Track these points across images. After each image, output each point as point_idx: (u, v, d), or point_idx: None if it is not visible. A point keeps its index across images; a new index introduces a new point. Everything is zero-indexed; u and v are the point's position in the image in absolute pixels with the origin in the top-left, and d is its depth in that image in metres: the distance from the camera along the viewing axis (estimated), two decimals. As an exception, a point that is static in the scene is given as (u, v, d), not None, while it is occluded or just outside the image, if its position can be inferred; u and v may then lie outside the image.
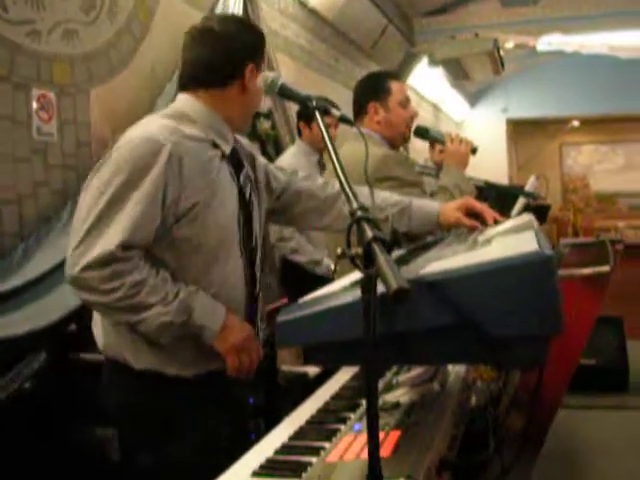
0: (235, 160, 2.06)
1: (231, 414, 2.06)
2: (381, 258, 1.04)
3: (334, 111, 1.76)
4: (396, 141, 3.03)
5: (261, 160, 2.26)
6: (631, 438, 3.60)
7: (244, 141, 2.25)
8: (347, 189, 1.31)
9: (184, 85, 2.06)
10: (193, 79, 2.03)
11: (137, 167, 1.81)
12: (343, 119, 1.79)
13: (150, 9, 4.04)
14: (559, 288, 1.10)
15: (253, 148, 2.30)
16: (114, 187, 1.80)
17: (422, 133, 3.20)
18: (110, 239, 1.77)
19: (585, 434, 3.69)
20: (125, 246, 1.78)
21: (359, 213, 1.18)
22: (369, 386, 1.11)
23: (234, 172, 2.03)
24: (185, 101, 2.03)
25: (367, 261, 1.07)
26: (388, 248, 1.08)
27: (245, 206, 2.05)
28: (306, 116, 4.36)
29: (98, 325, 2.02)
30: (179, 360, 1.94)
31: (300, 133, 4.49)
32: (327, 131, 1.57)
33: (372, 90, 3.05)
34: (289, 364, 3.44)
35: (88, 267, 1.77)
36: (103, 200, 1.80)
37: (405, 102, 3.03)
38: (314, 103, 1.72)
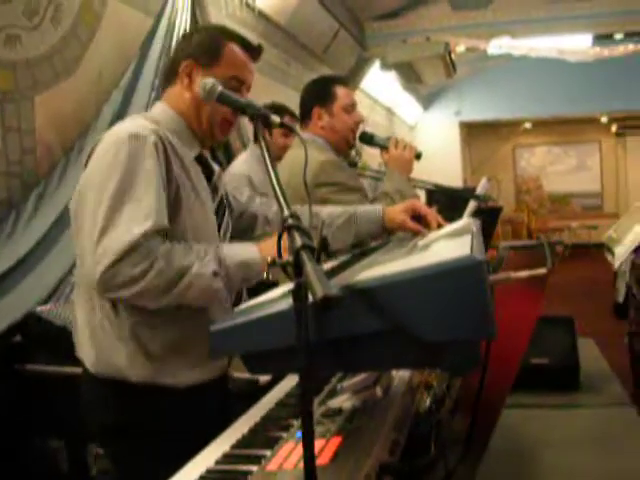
0: (203, 165, 2.05)
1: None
2: (309, 266, 1.04)
3: (274, 118, 1.75)
4: (341, 146, 3.04)
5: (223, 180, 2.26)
6: (582, 435, 3.64)
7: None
8: (280, 196, 1.31)
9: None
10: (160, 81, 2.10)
11: (128, 163, 1.78)
12: (283, 126, 1.78)
13: (97, 14, 4.00)
14: (490, 292, 1.11)
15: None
16: (115, 183, 1.76)
17: (367, 139, 3.20)
18: (129, 230, 1.71)
19: (537, 432, 3.72)
20: (147, 234, 1.72)
21: (290, 221, 1.18)
22: (304, 394, 1.11)
23: (205, 175, 2.03)
24: (155, 106, 2.07)
25: (297, 269, 1.07)
26: (317, 256, 1.08)
27: (220, 207, 2.06)
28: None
29: (86, 344, 1.95)
30: (177, 370, 1.92)
31: (256, 138, 4.46)
32: (263, 138, 1.57)
33: (317, 95, 3.05)
34: (242, 370, 3.42)
35: (114, 264, 1.69)
36: (106, 200, 1.74)
37: (350, 108, 3.03)
38: (253, 110, 1.72)
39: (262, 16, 6.13)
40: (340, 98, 3.00)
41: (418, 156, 3.09)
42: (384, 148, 3.14)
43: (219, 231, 2.04)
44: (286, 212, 1.22)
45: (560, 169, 18.61)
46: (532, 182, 18.66)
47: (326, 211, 2.33)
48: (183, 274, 1.74)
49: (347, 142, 3.04)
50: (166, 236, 1.80)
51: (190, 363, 1.94)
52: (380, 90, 10.67)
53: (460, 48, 9.99)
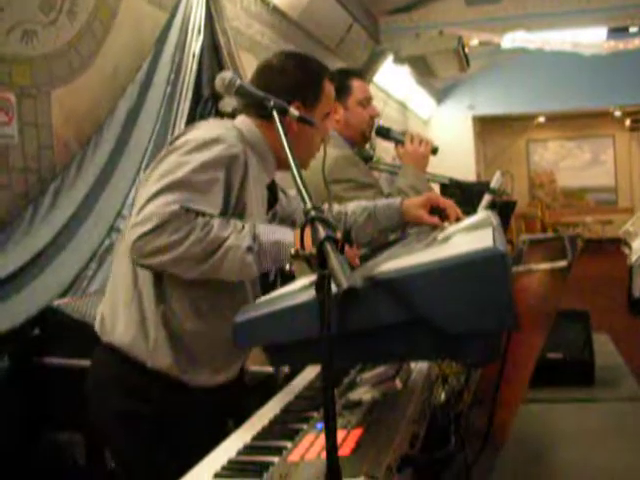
0: (271, 190, 2.10)
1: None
2: (333, 258, 1.05)
3: (292, 111, 1.75)
4: (356, 140, 3.02)
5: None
6: (597, 429, 3.63)
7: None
8: (302, 189, 1.31)
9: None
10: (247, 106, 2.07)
11: (210, 158, 1.81)
12: (301, 119, 1.79)
13: (112, 9, 4.01)
14: (512, 284, 1.11)
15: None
16: (196, 164, 1.78)
17: (383, 133, 3.18)
18: (177, 202, 1.74)
19: (552, 427, 3.71)
20: (185, 207, 1.74)
21: (313, 213, 1.19)
22: (326, 385, 1.11)
23: (269, 201, 2.07)
24: (242, 120, 2.06)
25: (320, 261, 1.07)
26: (341, 247, 1.08)
27: None
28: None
29: (120, 318, 1.97)
30: (199, 371, 1.95)
31: None
32: (285, 131, 1.57)
33: None
34: (258, 364, 3.43)
35: (154, 229, 1.70)
36: (180, 171, 1.77)
37: (365, 101, 3.01)
38: (272, 103, 1.72)
39: (276, 10, 6.13)
40: (356, 92, 2.99)
41: (434, 151, 3.06)
42: (400, 142, 3.12)
43: None
44: (309, 204, 1.23)
45: (574, 164, 18.53)
46: (546, 176, 18.59)
47: (350, 209, 2.35)
48: (220, 245, 1.74)
49: (363, 136, 3.03)
50: None
51: (214, 368, 1.98)
52: (393, 84, 10.64)
53: (474, 42, 9.95)
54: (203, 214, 1.75)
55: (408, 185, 2.84)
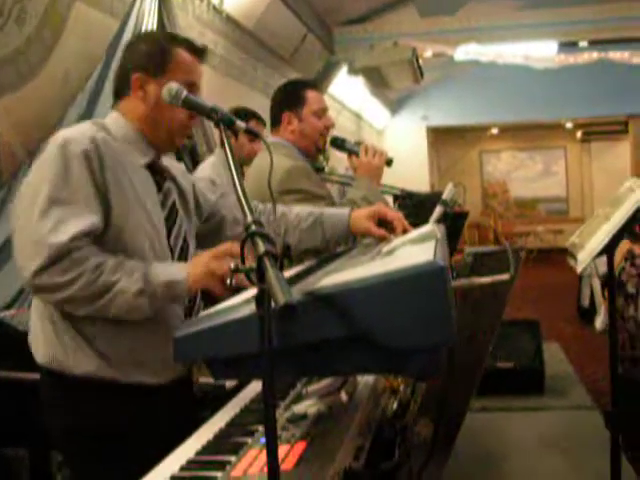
0: (156, 173, 2.06)
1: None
2: (271, 273, 1.05)
3: (239, 123, 1.75)
4: (310, 151, 3.02)
5: (191, 179, 2.28)
6: (546, 437, 3.69)
7: (174, 163, 2.27)
8: (243, 203, 1.31)
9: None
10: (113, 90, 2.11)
11: (58, 171, 1.81)
12: (248, 131, 1.78)
13: (62, 16, 3.96)
14: (452, 298, 1.12)
15: (174, 166, 2.27)
16: (47, 187, 1.80)
17: (338, 144, 3.18)
18: (58, 235, 1.76)
19: (502, 435, 3.76)
20: (76, 237, 1.77)
21: (253, 228, 1.19)
22: (266, 400, 1.11)
23: (154, 182, 2.04)
24: (109, 115, 2.07)
25: (259, 276, 1.07)
26: (280, 262, 1.08)
27: (171, 213, 2.06)
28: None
29: (39, 337, 1.97)
30: (126, 365, 1.93)
31: (222, 143, 4.45)
32: (229, 143, 1.57)
33: (287, 99, 3.03)
34: (207, 375, 3.40)
35: (43, 267, 1.74)
36: (39, 203, 1.79)
37: (320, 112, 3.01)
38: (218, 115, 1.71)
39: (230, 19, 6.12)
40: (310, 102, 2.98)
41: (389, 162, 3.06)
42: (354, 153, 3.13)
43: (169, 237, 2.04)
44: (249, 218, 1.23)
45: (526, 174, 18.80)
46: (498, 187, 18.84)
47: (294, 212, 2.33)
48: (108, 289, 1.80)
49: (317, 147, 3.02)
50: (103, 237, 1.86)
51: (145, 366, 1.96)
52: (348, 94, 10.70)
53: (427, 53, 10.07)
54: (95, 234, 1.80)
55: (360, 197, 2.84)
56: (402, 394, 1.87)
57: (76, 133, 1.89)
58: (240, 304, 1.33)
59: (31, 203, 1.80)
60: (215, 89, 5.68)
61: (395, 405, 1.82)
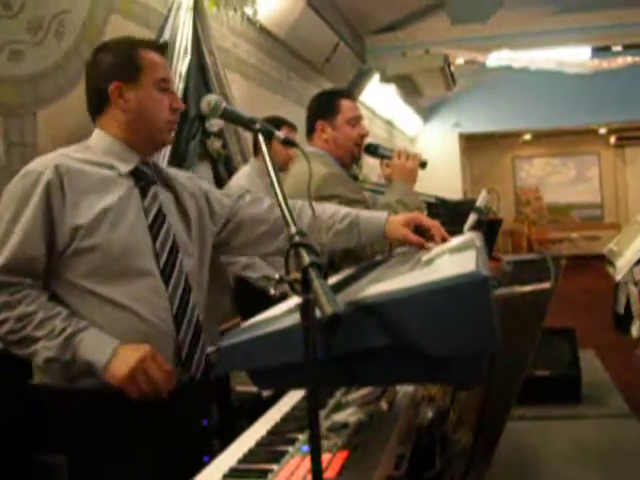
0: (140, 179, 2.07)
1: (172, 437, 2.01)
2: (317, 283, 1.06)
3: (278, 133, 1.76)
4: (345, 159, 3.03)
5: (201, 186, 2.27)
6: (584, 446, 3.64)
7: (173, 171, 2.28)
8: (286, 213, 1.32)
9: None
10: (89, 112, 2.13)
11: (19, 200, 1.88)
12: (286, 142, 1.80)
13: (99, 30, 4.01)
14: (494, 308, 1.12)
15: (179, 175, 2.28)
16: (3, 222, 1.88)
17: (372, 150, 3.20)
18: None
19: (540, 444, 3.72)
20: (7, 269, 1.84)
21: (297, 238, 1.20)
22: (311, 410, 1.12)
23: (139, 189, 2.05)
24: (93, 134, 2.11)
25: (304, 286, 1.08)
26: (325, 273, 1.09)
27: (156, 218, 2.05)
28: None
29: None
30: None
31: (257, 152, 4.48)
32: (269, 153, 1.58)
33: (321, 108, 3.06)
34: (244, 383, 3.43)
35: None
36: None
37: (354, 121, 3.03)
38: (257, 126, 1.73)
39: (262, 29, 6.15)
40: (344, 111, 3.00)
41: (423, 165, 3.07)
42: (388, 158, 3.14)
43: (155, 243, 2.02)
44: (293, 229, 1.24)
45: (559, 180, 18.64)
46: (531, 193, 18.69)
47: (329, 212, 2.31)
48: (29, 344, 1.83)
49: (352, 155, 3.04)
50: (92, 257, 1.90)
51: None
52: (380, 103, 10.70)
53: (459, 61, 10.04)
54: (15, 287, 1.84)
55: (395, 199, 2.84)
56: (441, 403, 1.87)
57: (39, 163, 1.94)
58: (282, 314, 1.35)
59: None
60: (249, 99, 5.72)
61: (434, 414, 1.82)
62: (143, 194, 2.05)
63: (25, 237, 1.85)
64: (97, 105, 2.08)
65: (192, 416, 2.17)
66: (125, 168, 2.03)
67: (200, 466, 1.59)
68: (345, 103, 3.04)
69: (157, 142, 2.14)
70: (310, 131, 3.05)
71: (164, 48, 2.18)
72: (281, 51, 6.79)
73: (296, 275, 1.11)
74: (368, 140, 3.20)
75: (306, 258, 1.13)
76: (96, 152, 2.02)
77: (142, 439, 1.94)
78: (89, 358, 1.83)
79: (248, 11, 4.86)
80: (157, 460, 1.96)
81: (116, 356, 1.84)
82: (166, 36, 4.29)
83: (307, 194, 1.69)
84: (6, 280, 1.83)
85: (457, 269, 1.19)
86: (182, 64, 4.28)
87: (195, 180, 2.29)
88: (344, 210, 2.34)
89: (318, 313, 1.08)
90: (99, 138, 2.06)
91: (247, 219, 2.27)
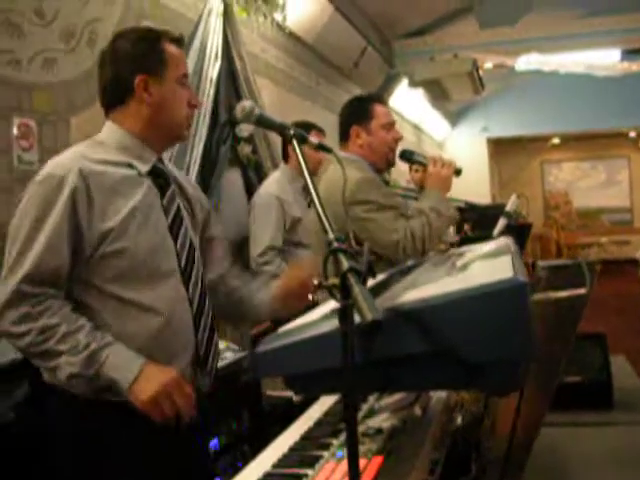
0: (159, 177, 2.05)
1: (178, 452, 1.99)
2: (357, 289, 1.06)
3: (312, 139, 1.76)
4: (380, 164, 3.05)
5: (205, 202, 2.27)
6: (616, 453, 3.61)
7: (184, 177, 2.27)
8: (324, 220, 1.32)
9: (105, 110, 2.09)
10: (102, 103, 2.07)
11: (41, 207, 1.84)
12: (320, 147, 1.80)
13: (130, 36, 4.06)
14: (532, 314, 1.12)
15: (184, 177, 2.29)
16: (24, 229, 1.83)
17: (407, 156, 3.21)
18: (14, 277, 1.80)
19: (571, 451, 3.70)
20: (30, 279, 1.79)
21: (335, 244, 1.20)
22: (348, 416, 1.12)
23: (157, 188, 2.03)
24: (104, 126, 2.06)
25: (344, 292, 1.09)
26: (363, 278, 1.10)
27: (175, 218, 2.05)
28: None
29: None
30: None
31: (287, 157, 4.49)
32: (304, 159, 1.58)
33: (355, 114, 3.07)
34: (275, 388, 3.44)
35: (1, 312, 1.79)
36: (16, 245, 1.84)
37: (389, 125, 3.05)
38: (292, 132, 1.73)
39: (291, 35, 6.18)
40: (378, 116, 3.02)
41: (458, 172, 3.07)
42: (423, 165, 3.15)
43: (175, 242, 2.01)
44: (331, 235, 1.24)
45: (589, 184, 18.47)
46: (560, 198, 18.54)
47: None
48: (52, 358, 1.79)
49: (386, 160, 3.06)
50: (120, 260, 1.87)
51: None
52: (408, 107, 10.68)
53: (488, 65, 9.99)
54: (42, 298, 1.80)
55: (429, 207, 2.86)
56: (475, 409, 1.87)
57: (59, 165, 1.89)
58: (319, 320, 1.35)
59: (12, 240, 1.85)
60: (278, 104, 5.74)
61: (468, 420, 1.82)
62: (162, 193, 2.04)
63: (49, 246, 1.81)
64: (116, 97, 2.01)
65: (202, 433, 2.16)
66: (144, 167, 2.01)
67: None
68: (379, 108, 3.06)
69: (174, 137, 2.12)
70: (344, 137, 3.07)
71: (182, 42, 2.11)
72: (310, 56, 6.80)
73: (335, 281, 1.12)
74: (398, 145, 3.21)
75: (345, 263, 1.13)
76: (111, 150, 1.98)
77: (159, 459, 1.92)
78: (114, 376, 1.80)
79: (278, 17, 4.88)
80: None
81: (141, 376, 1.81)
82: (197, 42, 4.32)
83: (341, 199, 1.69)
84: (28, 291, 1.79)
85: (494, 275, 1.19)
86: (213, 69, 4.30)
87: (198, 191, 2.29)
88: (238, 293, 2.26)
89: (356, 318, 1.08)
90: (112, 133, 2.01)
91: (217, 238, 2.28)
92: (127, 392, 1.80)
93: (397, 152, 3.14)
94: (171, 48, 2.02)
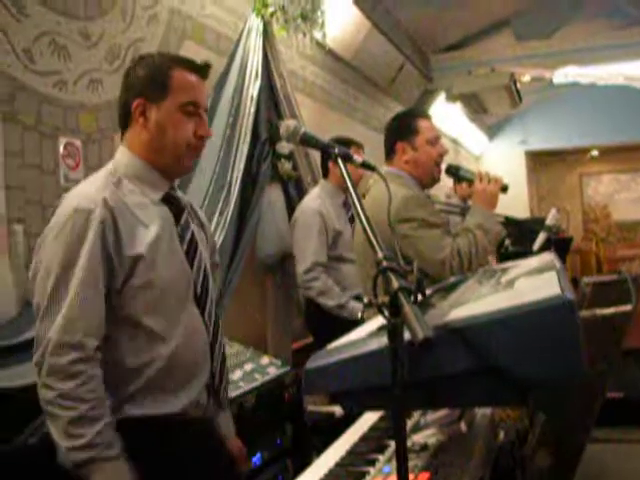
0: (172, 204, 2.06)
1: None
2: (407, 307, 1.08)
3: (356, 157, 1.78)
4: (425, 180, 3.04)
5: (211, 232, 2.30)
6: (661, 472, 3.55)
7: (198, 210, 2.27)
8: (372, 238, 1.33)
9: None
10: (118, 123, 2.09)
11: (71, 246, 1.82)
12: (365, 165, 1.81)
13: (172, 56, 4.12)
14: (581, 331, 1.13)
15: (197, 207, 2.29)
16: (56, 267, 1.81)
17: (453, 172, 3.20)
18: (54, 325, 1.78)
19: (615, 467, 3.65)
20: (65, 331, 1.77)
21: (385, 263, 1.22)
22: (397, 433, 1.13)
23: (172, 214, 2.04)
24: (117, 151, 2.08)
25: (393, 310, 1.11)
26: (414, 297, 1.11)
27: (190, 246, 2.05)
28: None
29: None
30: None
31: (326, 173, 4.53)
32: (350, 178, 1.60)
33: (400, 130, 3.08)
34: (316, 403, 3.45)
35: (44, 356, 1.78)
36: (50, 283, 1.81)
37: (434, 140, 3.04)
38: (336, 150, 1.75)
39: (330, 52, 6.22)
40: (423, 131, 3.02)
41: (505, 189, 3.04)
42: (470, 181, 3.14)
43: (192, 270, 2.02)
44: (380, 254, 1.25)
45: (629, 197, 18.24)
46: (600, 210, 18.33)
47: None
48: (54, 423, 1.77)
49: (432, 175, 3.05)
50: (145, 293, 1.87)
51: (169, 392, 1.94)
52: (446, 121, 10.66)
53: (525, 78, 9.95)
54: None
55: (475, 224, 2.84)
56: (520, 425, 1.87)
57: (86, 199, 1.87)
58: (366, 337, 1.37)
59: (45, 275, 1.82)
60: (317, 120, 5.78)
61: (514, 436, 1.82)
62: (177, 220, 2.04)
63: (84, 287, 1.80)
64: (122, 120, 2.05)
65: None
66: (156, 196, 2.01)
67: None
68: (423, 123, 3.06)
69: (181, 166, 2.07)
70: (390, 153, 3.07)
71: (204, 70, 2.08)
72: (348, 73, 6.84)
73: (384, 299, 1.13)
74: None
75: (395, 282, 1.15)
76: (126, 177, 1.98)
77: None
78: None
79: (317, 35, 4.92)
80: None
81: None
82: (237, 61, 4.37)
83: (387, 217, 1.71)
84: (67, 341, 1.76)
85: (542, 292, 1.20)
86: (253, 88, 4.35)
87: (206, 222, 2.30)
88: None
89: (405, 336, 1.10)
90: (124, 157, 2.02)
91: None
92: None
93: (442, 167, 3.13)
94: (182, 75, 2.00)
